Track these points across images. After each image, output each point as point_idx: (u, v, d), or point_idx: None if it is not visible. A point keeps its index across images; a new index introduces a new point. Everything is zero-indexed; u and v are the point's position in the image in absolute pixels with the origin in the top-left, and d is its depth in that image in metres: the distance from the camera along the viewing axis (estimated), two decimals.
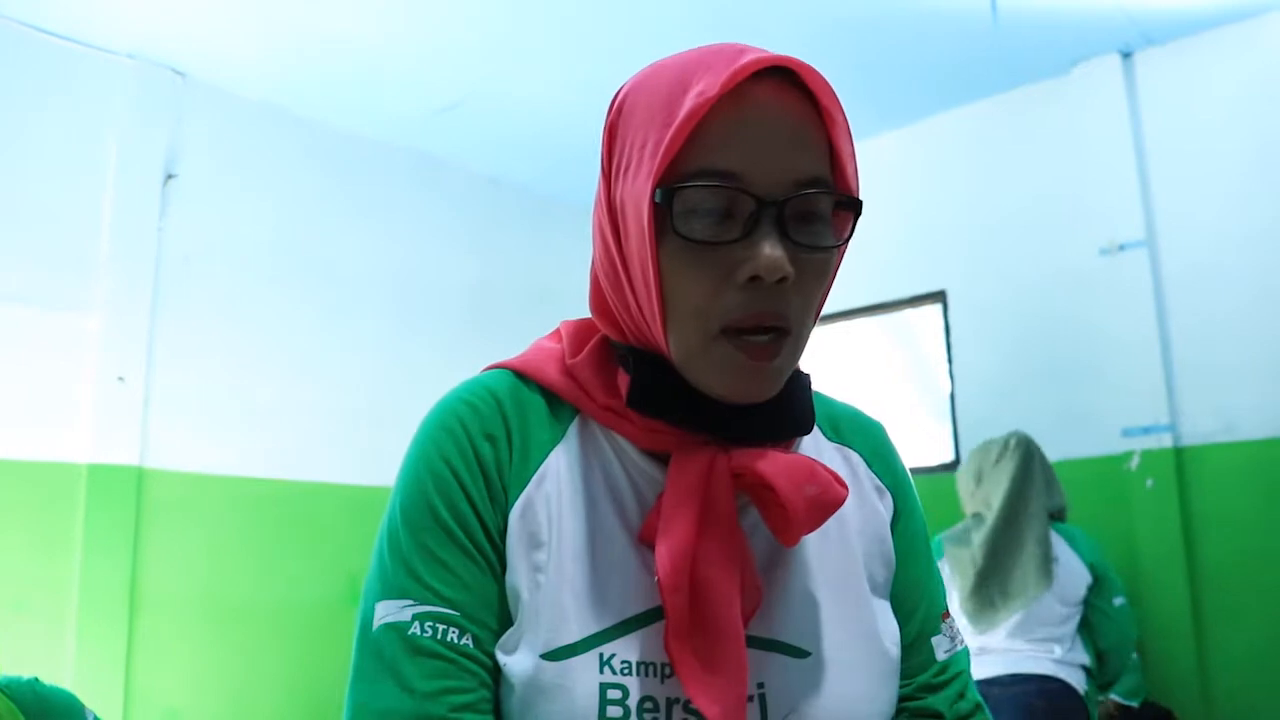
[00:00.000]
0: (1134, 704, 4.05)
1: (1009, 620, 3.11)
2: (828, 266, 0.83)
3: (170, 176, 4.59)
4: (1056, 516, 3.66)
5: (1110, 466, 4.50)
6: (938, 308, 5.22)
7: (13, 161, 4.17)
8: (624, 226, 0.82)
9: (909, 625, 0.95)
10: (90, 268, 4.32)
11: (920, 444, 5.14)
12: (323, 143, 5.17)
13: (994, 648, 3.11)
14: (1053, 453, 4.64)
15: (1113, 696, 4.06)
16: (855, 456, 0.99)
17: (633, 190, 0.80)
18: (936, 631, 0.98)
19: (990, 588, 3.10)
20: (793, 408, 0.88)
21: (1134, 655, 4.17)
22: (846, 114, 0.83)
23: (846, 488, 0.82)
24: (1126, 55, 4.66)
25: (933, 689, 0.95)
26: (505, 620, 0.82)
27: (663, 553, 0.78)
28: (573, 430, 0.88)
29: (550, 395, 0.89)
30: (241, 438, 4.66)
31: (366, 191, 5.30)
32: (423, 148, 5.52)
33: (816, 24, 4.35)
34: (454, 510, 0.82)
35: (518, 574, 0.81)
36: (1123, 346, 4.51)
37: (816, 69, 0.81)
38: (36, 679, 1.99)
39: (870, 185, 5.59)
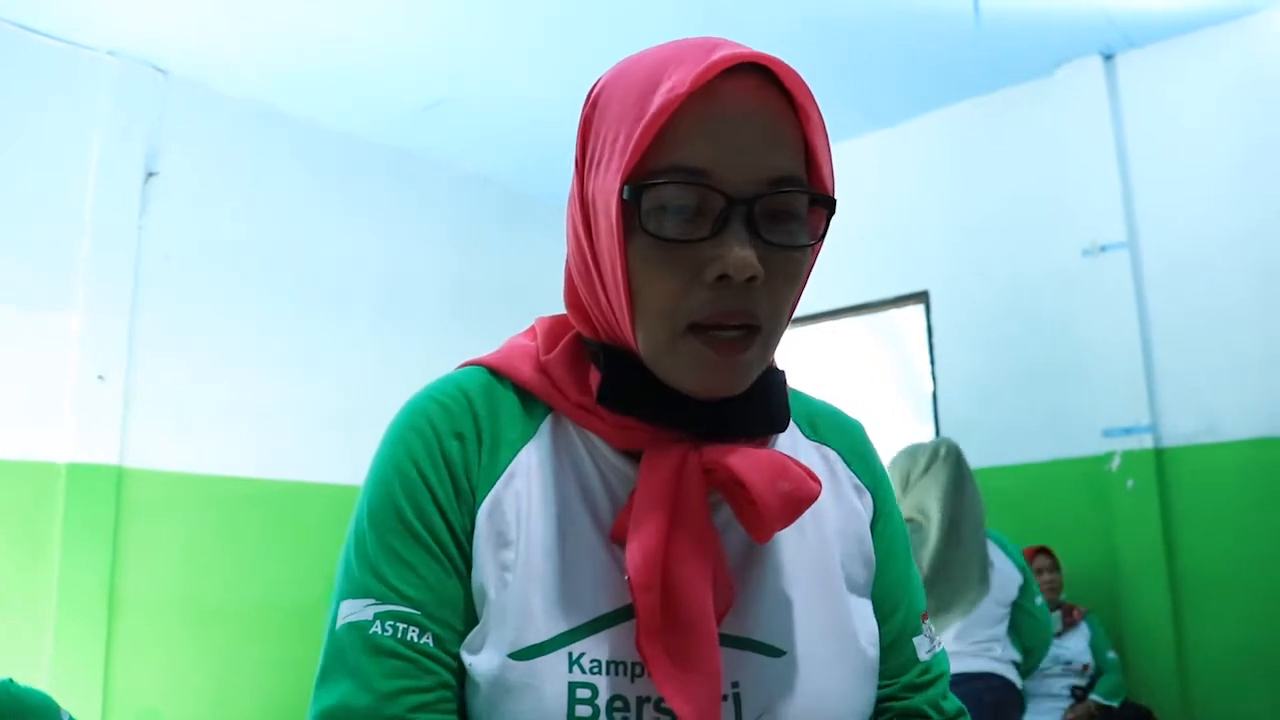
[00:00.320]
0: (1114, 704, 4.08)
1: (954, 625, 3.21)
2: (800, 266, 0.81)
3: (151, 174, 4.57)
4: None
5: (1091, 467, 4.51)
6: (920, 308, 5.23)
7: None
8: (595, 222, 0.82)
9: (890, 625, 0.94)
10: (70, 266, 4.29)
11: (902, 443, 5.14)
12: (304, 140, 5.15)
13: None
14: (1034, 453, 4.68)
15: (1093, 697, 4.09)
16: (833, 455, 0.98)
17: (603, 186, 0.79)
18: (918, 631, 0.97)
19: (937, 596, 3.19)
20: (767, 404, 0.87)
21: (1113, 655, 4.19)
22: (822, 112, 0.82)
23: (820, 483, 0.80)
24: (1108, 57, 4.68)
25: (917, 689, 0.95)
26: (470, 620, 0.81)
27: (634, 550, 0.77)
28: (545, 428, 0.87)
29: (523, 392, 0.88)
30: (222, 437, 4.64)
31: (348, 189, 5.29)
32: (404, 145, 5.50)
33: (800, 24, 4.35)
34: (419, 511, 0.81)
35: (485, 573, 0.80)
36: (1104, 347, 4.53)
37: (791, 66, 0.79)
38: (11, 680, 1.97)
39: (853, 186, 5.61)
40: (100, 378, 4.28)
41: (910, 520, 3.39)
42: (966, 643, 3.26)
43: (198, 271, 4.68)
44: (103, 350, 4.31)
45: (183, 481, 4.49)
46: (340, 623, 0.80)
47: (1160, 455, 4.37)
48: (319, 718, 0.78)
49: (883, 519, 0.97)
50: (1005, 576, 3.43)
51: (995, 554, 3.45)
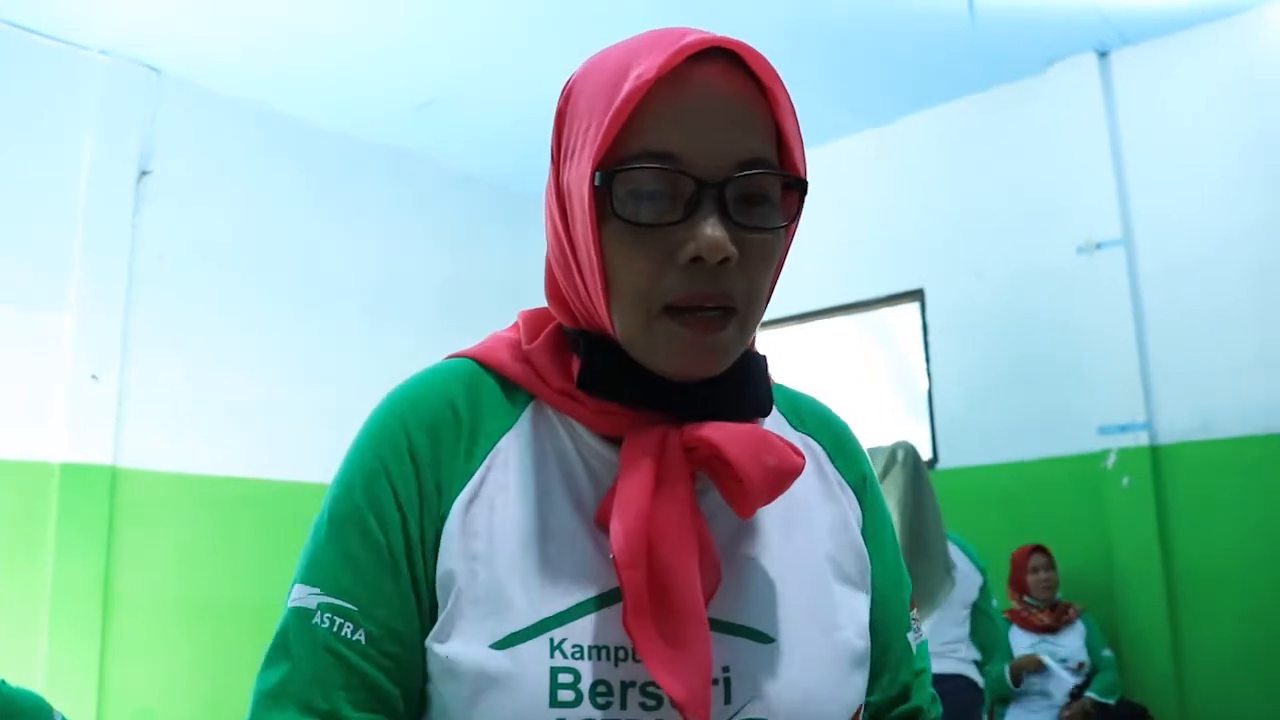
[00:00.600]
0: (1110, 702, 4.08)
1: (926, 625, 3.26)
2: (773, 248, 0.82)
3: (144, 173, 4.56)
4: None
5: (1087, 465, 4.51)
6: (915, 306, 5.23)
7: None
8: (570, 210, 0.83)
9: (885, 620, 0.95)
10: (63, 265, 4.28)
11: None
12: (298, 139, 5.14)
13: None
14: (1029, 451, 4.68)
15: (1089, 695, 4.09)
16: (819, 448, 0.97)
17: (577, 174, 0.80)
18: (909, 627, 0.98)
19: None
20: (748, 387, 0.88)
21: (1109, 653, 4.20)
22: (790, 95, 0.83)
23: (803, 457, 0.81)
24: (1103, 54, 4.68)
25: (909, 686, 0.97)
26: (421, 618, 0.81)
27: (617, 529, 0.77)
28: (526, 416, 0.87)
29: (505, 382, 0.89)
30: (216, 437, 4.63)
31: (342, 188, 5.28)
32: (397, 144, 5.50)
33: (793, 23, 4.35)
34: (377, 512, 0.82)
35: (455, 563, 0.80)
36: (1100, 345, 4.53)
37: (758, 50, 0.80)
38: (3, 680, 1.96)
39: (848, 184, 5.61)
40: (94, 377, 4.27)
41: None
42: (937, 643, 3.34)
43: (191, 271, 4.67)
44: (96, 350, 4.30)
45: (176, 481, 4.48)
46: (291, 604, 0.82)
47: (1156, 452, 4.37)
48: (259, 695, 0.81)
49: (870, 516, 0.97)
50: (967, 578, 3.50)
51: (957, 555, 3.49)
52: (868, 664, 0.89)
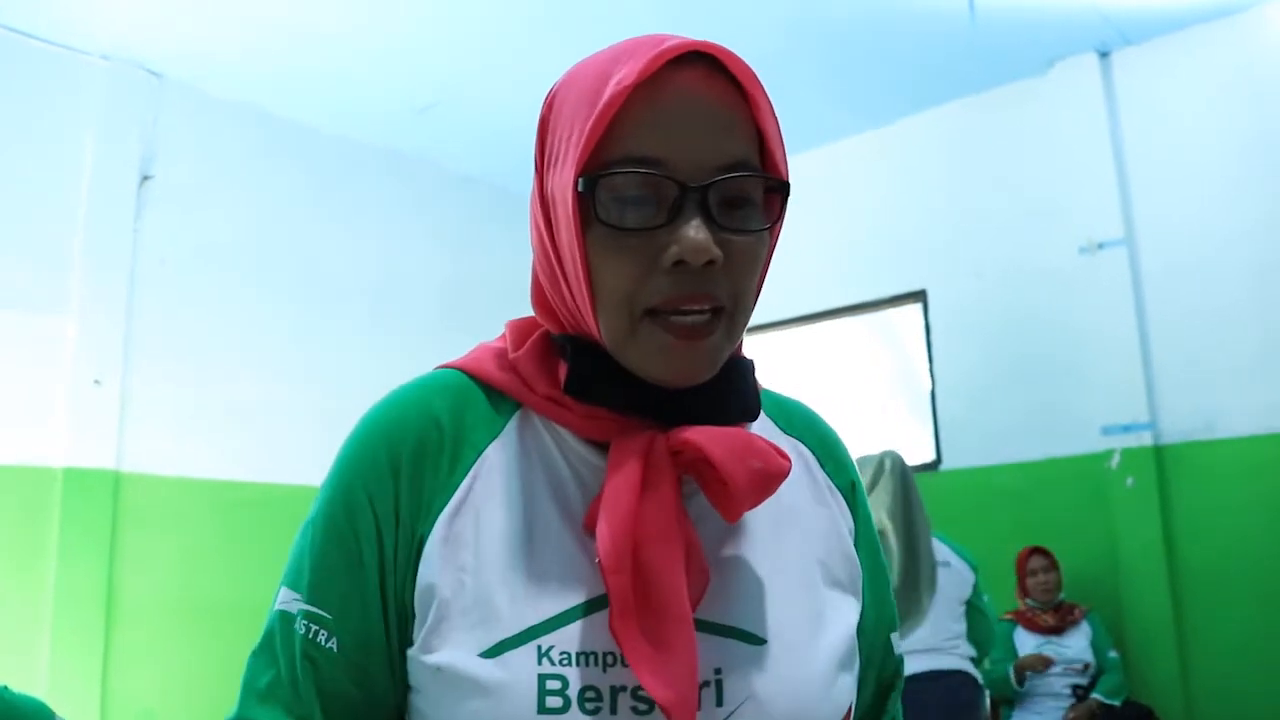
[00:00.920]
0: (1115, 703, 4.07)
1: (923, 626, 3.36)
2: (757, 250, 0.82)
3: (146, 178, 4.56)
4: None
5: (1090, 465, 4.51)
6: (918, 307, 5.23)
7: None
8: (555, 217, 0.83)
9: (877, 625, 0.97)
10: (65, 270, 4.28)
11: (901, 442, 5.14)
12: (299, 143, 5.14)
13: (918, 648, 3.37)
14: (1033, 451, 4.68)
15: (1095, 696, 4.08)
16: (808, 453, 0.98)
17: (560, 181, 0.81)
18: (894, 627, 1.00)
19: (903, 603, 3.33)
20: (736, 392, 0.88)
21: (1114, 654, 4.19)
22: (770, 98, 0.84)
23: (789, 460, 0.81)
24: (1104, 54, 4.68)
25: (891, 686, 1.00)
26: (384, 634, 0.83)
27: (603, 533, 0.77)
28: (512, 424, 0.88)
29: (492, 391, 0.89)
30: (218, 441, 4.63)
31: (343, 191, 5.28)
32: (398, 147, 5.50)
33: (793, 24, 4.35)
34: (354, 527, 0.83)
35: (438, 575, 0.81)
36: (1103, 345, 4.53)
37: (738, 54, 0.81)
38: (5, 687, 1.96)
39: (850, 185, 5.61)
40: (96, 382, 4.27)
41: None
42: (940, 639, 3.42)
43: (193, 275, 4.67)
44: (98, 354, 4.30)
45: (179, 485, 4.48)
46: (277, 605, 0.85)
47: (1160, 452, 4.36)
48: (249, 692, 0.85)
49: (861, 522, 0.98)
50: (960, 575, 3.54)
51: (948, 554, 3.56)
52: (857, 665, 0.90)
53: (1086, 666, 4.16)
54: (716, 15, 4.23)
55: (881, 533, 3.43)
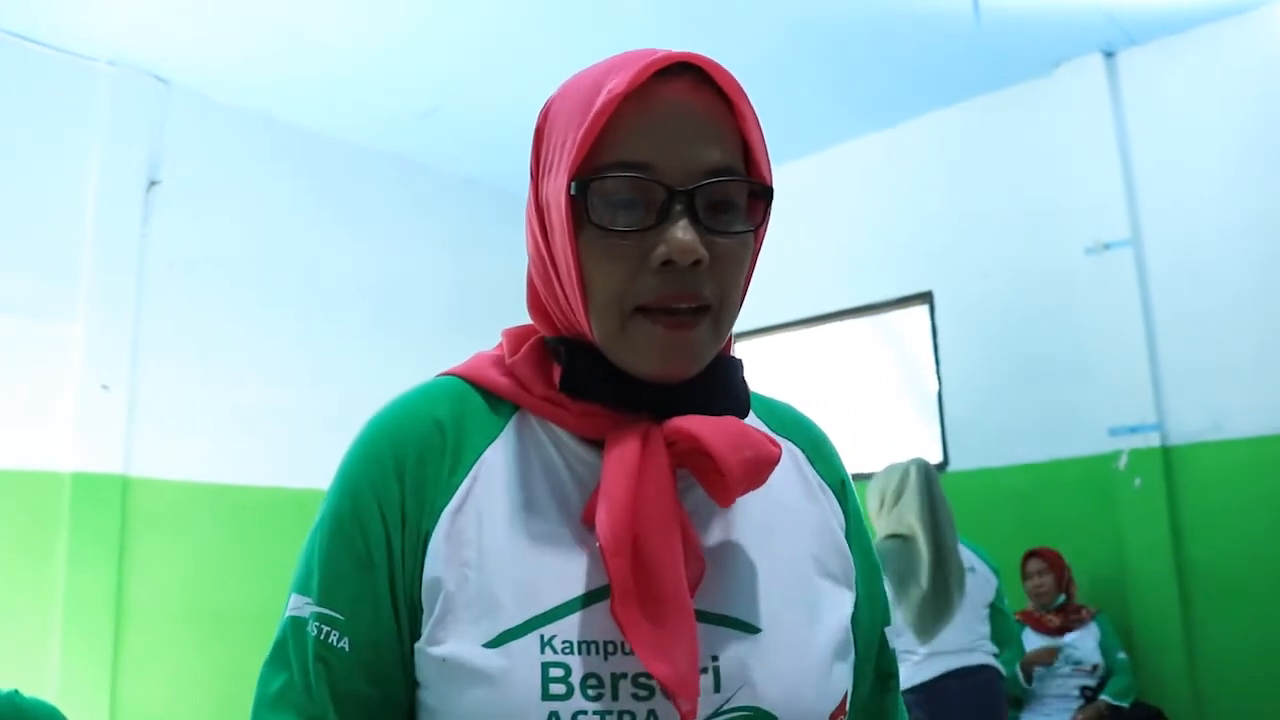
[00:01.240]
0: (1124, 704, 4.07)
1: (950, 628, 3.48)
2: (742, 251, 0.86)
3: (153, 183, 4.57)
4: None
5: (1098, 466, 4.50)
6: (924, 309, 5.22)
7: None
8: (549, 222, 0.87)
9: (872, 619, 0.99)
10: (73, 275, 4.30)
11: (908, 444, 5.14)
12: (304, 148, 5.16)
13: (946, 649, 3.48)
14: (1040, 453, 4.67)
15: (1103, 697, 4.07)
16: (798, 452, 1.00)
17: (554, 187, 0.85)
18: (888, 622, 1.03)
19: (934, 606, 3.49)
20: (724, 388, 0.91)
21: (1123, 655, 4.18)
22: (755, 108, 0.88)
23: (780, 448, 0.85)
24: (1109, 55, 4.67)
25: (889, 680, 1.03)
26: (395, 629, 0.85)
27: (602, 519, 0.80)
28: (510, 426, 0.91)
29: (490, 396, 0.92)
30: (226, 445, 4.64)
31: (348, 195, 5.30)
32: (402, 152, 5.52)
33: (799, 25, 4.35)
34: (362, 529, 0.86)
35: (442, 569, 0.83)
36: (1109, 346, 4.52)
37: (723, 66, 0.85)
38: (17, 691, 1.96)
39: (856, 187, 5.60)
40: (104, 387, 4.28)
41: (899, 536, 3.64)
42: (968, 639, 3.52)
43: (200, 279, 4.68)
44: (106, 359, 4.31)
45: (187, 490, 4.49)
46: (288, 612, 0.88)
47: (1167, 453, 4.35)
48: (263, 698, 0.86)
49: (852, 518, 1.01)
50: (985, 580, 3.67)
51: (973, 559, 3.67)
52: (852, 655, 0.93)
53: (1095, 668, 4.16)
54: (719, 18, 4.23)
55: (910, 538, 3.57)
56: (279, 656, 0.87)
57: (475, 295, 5.66)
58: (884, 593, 1.04)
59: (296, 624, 0.86)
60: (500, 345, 0.97)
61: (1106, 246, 4.56)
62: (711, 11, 4.20)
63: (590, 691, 0.79)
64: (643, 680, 0.80)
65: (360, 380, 5.07)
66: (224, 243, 4.78)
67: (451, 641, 0.81)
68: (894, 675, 1.04)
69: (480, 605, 0.81)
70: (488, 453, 0.88)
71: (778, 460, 0.84)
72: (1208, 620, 4.20)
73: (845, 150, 5.49)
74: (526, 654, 0.79)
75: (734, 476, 0.81)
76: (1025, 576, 4.37)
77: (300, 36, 4.36)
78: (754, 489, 0.84)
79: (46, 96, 4.33)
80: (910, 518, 3.59)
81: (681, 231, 0.80)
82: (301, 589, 0.87)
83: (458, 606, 0.82)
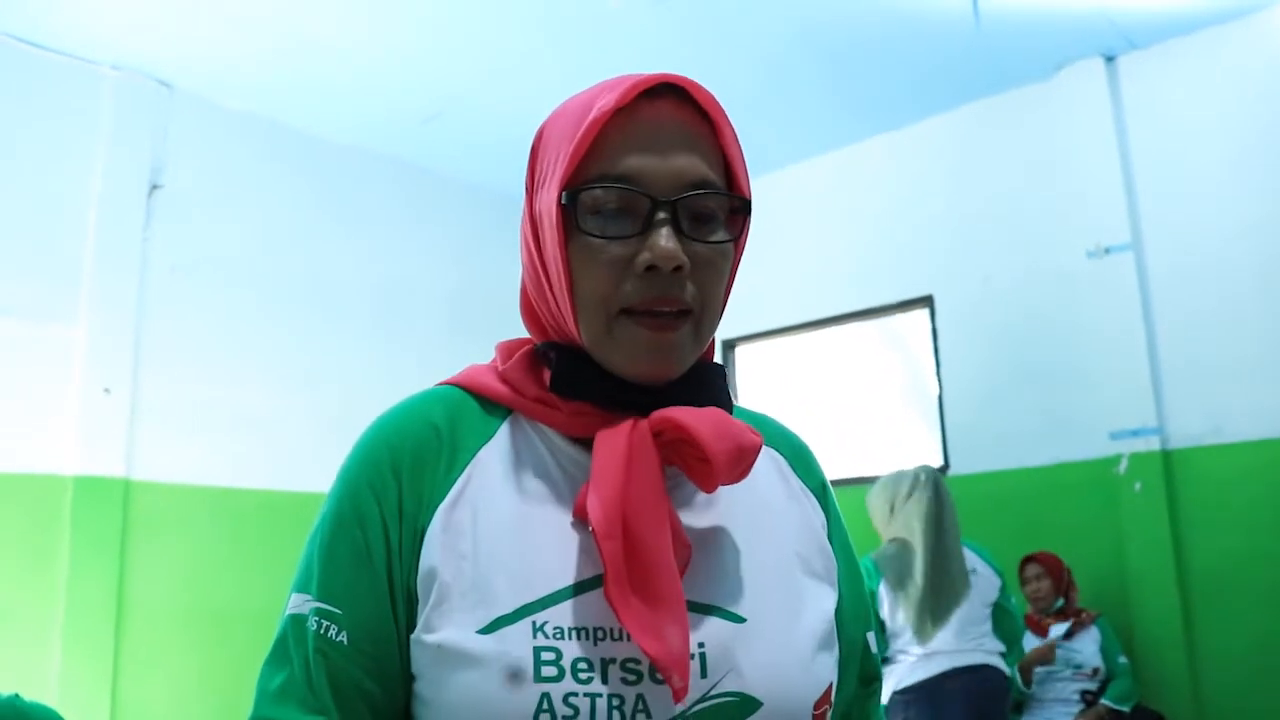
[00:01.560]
0: (1125, 709, 4.06)
1: (948, 628, 3.57)
2: (721, 260, 0.91)
3: (155, 187, 4.58)
4: None
5: (1098, 470, 4.50)
6: (925, 312, 5.23)
7: None
8: (542, 232, 0.93)
9: (855, 620, 1.04)
10: (75, 279, 4.31)
11: (910, 447, 5.14)
12: (307, 153, 5.17)
13: (943, 649, 3.56)
14: (1040, 457, 4.67)
15: (1104, 701, 4.07)
16: (780, 458, 1.06)
17: (547, 198, 0.91)
18: (870, 626, 1.08)
19: (933, 607, 3.59)
20: (707, 389, 0.96)
21: (1124, 659, 4.18)
22: (734, 125, 0.95)
23: (761, 438, 0.89)
24: (1110, 59, 4.68)
25: (872, 683, 1.08)
26: (393, 622, 0.88)
27: (594, 504, 0.85)
28: (503, 428, 0.96)
29: (484, 401, 0.97)
30: (228, 448, 4.64)
31: (351, 201, 5.31)
32: (405, 157, 5.53)
33: (800, 30, 4.36)
34: (363, 520, 0.90)
35: (438, 560, 0.87)
36: (1110, 349, 4.52)
37: (704, 86, 0.91)
38: (17, 695, 1.97)
39: (856, 190, 5.61)
40: (106, 390, 4.29)
41: (899, 540, 3.75)
42: (967, 639, 3.60)
43: (202, 283, 4.69)
44: (108, 363, 4.32)
45: (189, 493, 4.50)
46: (289, 610, 0.91)
47: (1168, 457, 4.35)
48: (264, 694, 0.89)
49: (833, 520, 1.06)
50: (987, 580, 3.75)
51: (977, 562, 3.77)
52: (835, 648, 0.97)
53: (1096, 671, 4.15)
54: (722, 26, 4.24)
55: (910, 538, 3.68)
56: (280, 653, 0.89)
57: (475, 300, 5.67)
58: (866, 595, 1.08)
59: (296, 621, 0.89)
60: (494, 359, 1.02)
61: (1107, 250, 4.56)
62: (714, 18, 4.20)
63: (580, 675, 0.82)
64: (631, 665, 0.83)
65: (361, 384, 5.08)
66: (226, 247, 4.79)
67: (446, 629, 0.84)
68: (877, 679, 1.09)
69: (475, 594, 0.85)
70: (482, 452, 0.93)
71: (759, 448, 0.89)
72: (1209, 624, 4.20)
73: (846, 154, 5.49)
74: (519, 639, 0.82)
75: (718, 462, 0.85)
76: (1023, 582, 4.37)
77: (303, 41, 4.37)
78: (738, 477, 0.88)
79: (49, 100, 4.34)
80: (914, 521, 3.69)
81: (664, 239, 0.86)
82: (301, 587, 0.91)
83: (453, 595, 0.85)
